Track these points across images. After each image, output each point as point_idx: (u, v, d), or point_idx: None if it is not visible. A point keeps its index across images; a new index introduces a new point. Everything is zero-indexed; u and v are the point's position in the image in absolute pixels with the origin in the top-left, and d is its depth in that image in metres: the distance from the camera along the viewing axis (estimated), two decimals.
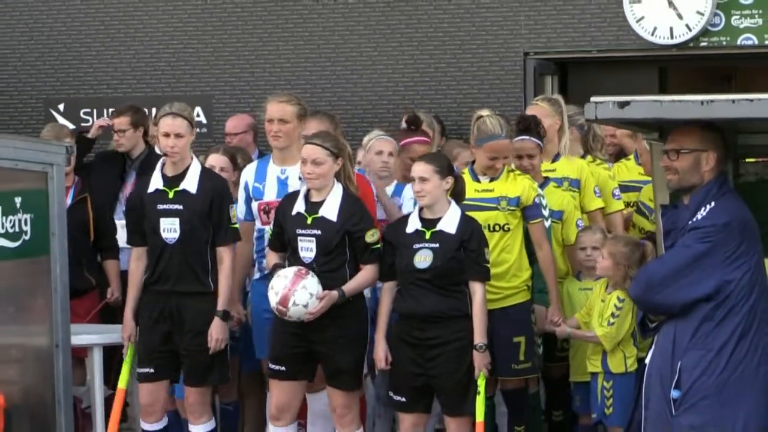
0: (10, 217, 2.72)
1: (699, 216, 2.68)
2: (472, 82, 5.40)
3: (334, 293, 3.21)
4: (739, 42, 5.15)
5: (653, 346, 2.99)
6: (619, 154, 4.62)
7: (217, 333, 3.22)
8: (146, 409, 3.50)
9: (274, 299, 3.12)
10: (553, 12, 5.32)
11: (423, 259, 3.21)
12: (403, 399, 3.26)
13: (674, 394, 2.79)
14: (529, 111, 4.15)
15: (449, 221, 3.25)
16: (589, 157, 4.22)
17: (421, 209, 3.30)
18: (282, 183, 3.79)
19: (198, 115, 5.14)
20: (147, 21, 5.80)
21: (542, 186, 4.02)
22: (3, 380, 2.80)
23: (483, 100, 5.06)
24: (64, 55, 5.90)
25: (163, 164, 3.41)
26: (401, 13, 5.55)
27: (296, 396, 3.41)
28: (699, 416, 2.73)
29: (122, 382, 3.52)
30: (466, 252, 3.22)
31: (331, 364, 3.29)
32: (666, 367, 2.82)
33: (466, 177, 3.70)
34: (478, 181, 3.70)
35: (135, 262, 3.47)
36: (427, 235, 3.23)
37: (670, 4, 5.07)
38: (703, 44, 5.20)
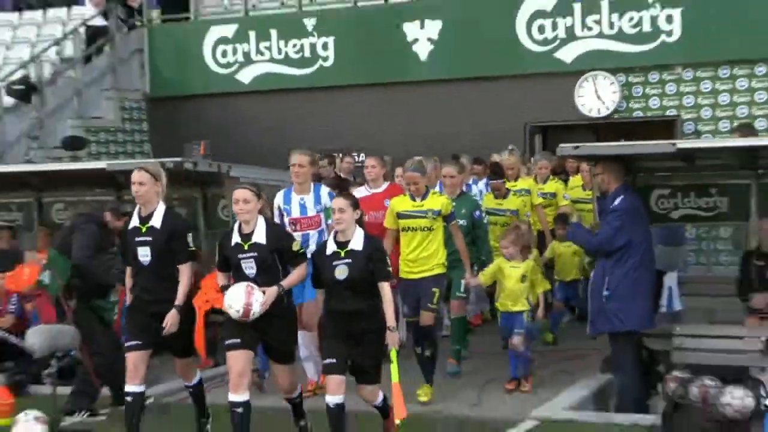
0: None
1: (615, 204, 5.05)
2: (494, 137, 9.31)
3: (275, 288, 4.16)
4: (634, 115, 9.58)
5: (594, 271, 5.52)
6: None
7: (170, 319, 4.25)
8: (131, 374, 4.41)
9: (236, 315, 4.06)
10: (540, 101, 9.64)
11: (341, 272, 4.11)
12: (334, 361, 4.14)
13: (606, 293, 5.20)
14: (504, 156, 7.54)
15: (357, 242, 4.15)
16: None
17: (335, 234, 4.25)
18: (302, 206, 5.45)
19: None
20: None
21: (505, 195, 6.79)
22: None
23: (501, 148, 9.26)
24: None
25: (139, 208, 4.46)
26: (453, 98, 9.82)
27: (249, 363, 4.34)
28: (618, 303, 5.12)
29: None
30: (372, 263, 4.12)
31: (275, 347, 4.36)
32: (600, 280, 5.24)
33: (407, 197, 5.49)
34: (414, 200, 5.42)
35: (128, 277, 4.58)
36: (342, 254, 4.13)
37: (598, 97, 9.57)
38: (615, 116, 9.58)
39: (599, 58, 9.72)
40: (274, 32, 10.73)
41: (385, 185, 6.62)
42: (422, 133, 9.67)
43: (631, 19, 9.44)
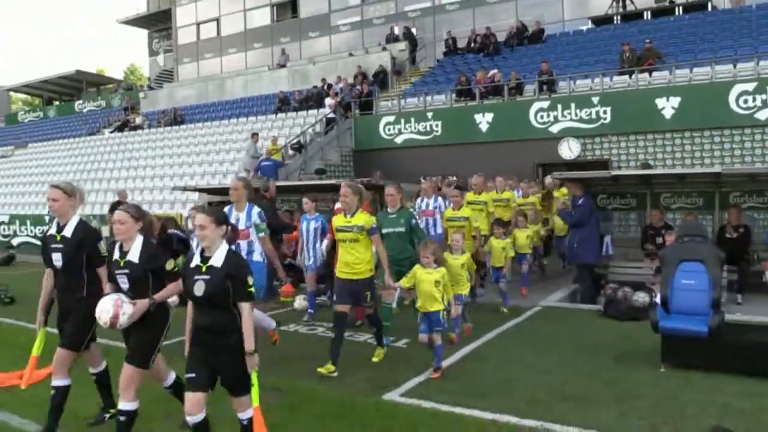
0: None
1: (580, 202, 10.11)
2: (515, 170, 18.70)
3: (146, 301, 4.32)
4: (587, 158, 18.60)
5: (569, 234, 10.55)
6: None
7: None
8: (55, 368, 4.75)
9: (104, 326, 4.28)
10: (539, 151, 18.88)
11: (198, 288, 3.98)
12: (193, 375, 3.98)
13: (575, 245, 10.11)
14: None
15: (218, 258, 4.01)
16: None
17: (203, 249, 4.09)
18: (237, 220, 6.44)
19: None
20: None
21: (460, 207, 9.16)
22: None
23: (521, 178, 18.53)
24: None
25: (57, 219, 4.83)
26: (494, 151, 18.98)
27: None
28: (581, 249, 9.99)
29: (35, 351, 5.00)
30: (232, 281, 3.94)
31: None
32: (572, 238, 10.22)
33: (341, 215, 6.49)
34: (346, 216, 6.42)
35: (46, 278, 4.92)
36: (203, 269, 4.00)
37: (570, 148, 18.73)
38: (581, 159, 18.47)
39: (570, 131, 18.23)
40: (412, 119, 20.86)
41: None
42: (477, 166, 16.94)
43: (587, 112, 18.44)
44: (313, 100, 23.85)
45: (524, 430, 4.86)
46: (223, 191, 14.03)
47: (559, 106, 18.57)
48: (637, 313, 8.40)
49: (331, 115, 21.93)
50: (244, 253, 6.33)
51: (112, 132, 30.90)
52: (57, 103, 43.97)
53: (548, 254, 13.31)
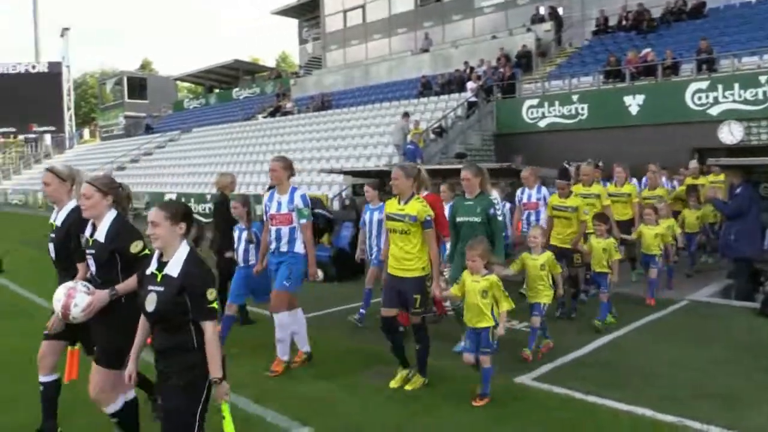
0: None
1: (737, 191, 9.31)
2: (668, 155, 17.80)
3: (105, 292, 3.69)
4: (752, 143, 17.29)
5: (724, 225, 9.79)
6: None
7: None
8: (40, 362, 4.22)
9: (57, 314, 3.83)
10: (696, 135, 17.84)
11: (150, 302, 3.18)
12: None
13: (732, 237, 9.25)
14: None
15: (174, 265, 3.18)
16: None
17: (161, 252, 3.27)
18: (279, 203, 5.95)
19: None
20: None
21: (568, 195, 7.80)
22: None
23: (670, 163, 17.42)
24: None
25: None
26: (652, 136, 18.27)
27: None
28: (739, 243, 9.16)
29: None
30: (189, 295, 3.11)
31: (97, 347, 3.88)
32: (728, 230, 9.32)
33: (394, 201, 5.49)
34: (399, 203, 5.47)
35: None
36: (158, 278, 3.19)
37: (731, 132, 17.37)
38: (744, 144, 17.15)
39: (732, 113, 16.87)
40: (557, 102, 20.37)
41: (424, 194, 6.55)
42: (625, 151, 15.87)
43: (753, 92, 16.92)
44: (455, 83, 23.89)
45: (661, 425, 4.70)
46: (367, 174, 14.56)
47: (720, 87, 17.26)
48: None
49: (473, 99, 21.91)
50: (284, 241, 5.98)
51: (265, 117, 32.83)
52: (217, 90, 47.42)
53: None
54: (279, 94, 35.58)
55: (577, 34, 25.77)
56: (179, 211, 3.33)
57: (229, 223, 7.64)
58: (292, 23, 44.47)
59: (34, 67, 52.76)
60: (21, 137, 54.85)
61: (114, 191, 3.96)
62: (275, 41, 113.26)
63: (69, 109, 53.12)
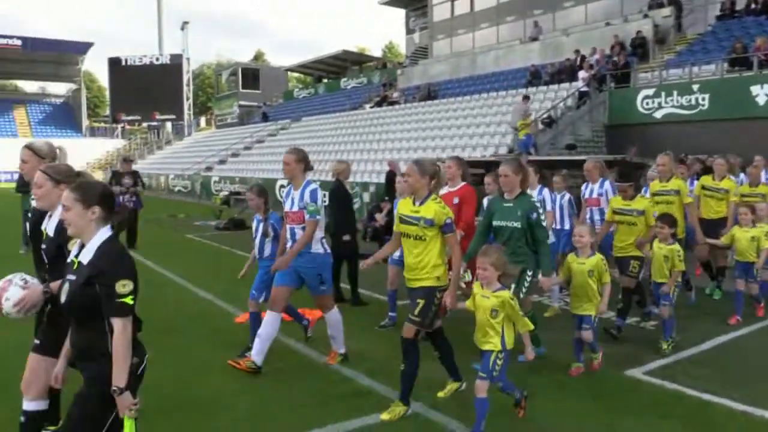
0: None
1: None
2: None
3: (39, 288, 3.34)
4: None
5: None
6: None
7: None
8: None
9: None
10: None
11: (63, 292, 2.88)
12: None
13: None
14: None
15: (88, 252, 2.87)
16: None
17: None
18: (292, 200, 5.63)
19: None
20: None
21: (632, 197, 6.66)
22: None
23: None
24: None
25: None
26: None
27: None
28: None
29: None
30: (99, 286, 2.76)
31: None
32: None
33: (408, 200, 4.80)
34: (414, 203, 4.76)
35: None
36: (75, 266, 2.90)
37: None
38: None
39: None
40: (674, 91, 19.44)
41: (460, 185, 6.51)
42: (749, 145, 14.40)
43: None
44: (565, 73, 23.34)
45: None
46: (473, 164, 14.56)
47: None
48: None
49: (584, 89, 21.33)
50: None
51: (372, 107, 33.36)
52: (325, 80, 48.67)
53: None
54: (385, 84, 36.06)
55: (700, 19, 24.37)
56: (94, 193, 2.95)
57: (346, 208, 7.82)
58: (400, 13, 44.86)
59: (157, 59, 56.39)
60: (145, 125, 58.84)
61: (69, 181, 3.43)
62: (382, 31, 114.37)
63: (188, 98, 56.35)
